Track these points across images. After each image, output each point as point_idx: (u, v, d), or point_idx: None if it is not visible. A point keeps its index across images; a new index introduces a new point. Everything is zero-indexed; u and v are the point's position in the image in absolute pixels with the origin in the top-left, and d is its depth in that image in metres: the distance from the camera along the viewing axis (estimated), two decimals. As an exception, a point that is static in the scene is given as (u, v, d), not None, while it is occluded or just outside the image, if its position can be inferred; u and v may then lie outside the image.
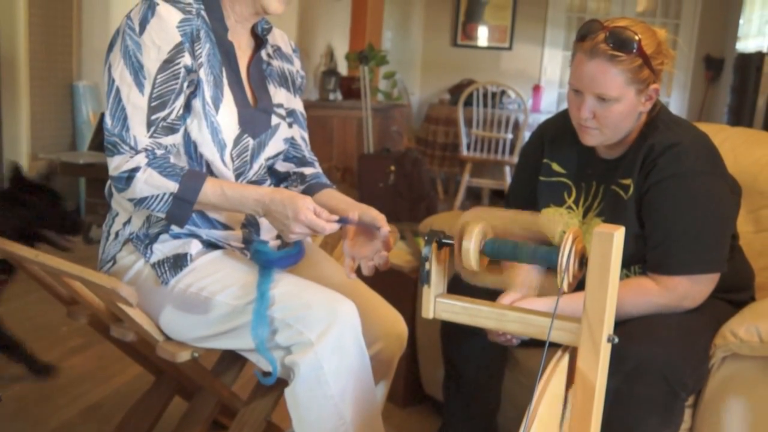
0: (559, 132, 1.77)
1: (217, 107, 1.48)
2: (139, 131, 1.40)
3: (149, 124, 1.40)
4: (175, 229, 1.51)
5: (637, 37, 1.50)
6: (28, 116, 4.14)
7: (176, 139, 1.45)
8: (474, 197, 6.32)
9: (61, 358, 2.54)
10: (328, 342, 1.38)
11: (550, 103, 8.00)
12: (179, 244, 1.51)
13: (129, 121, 1.40)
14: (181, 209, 1.41)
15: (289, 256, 1.50)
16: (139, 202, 1.42)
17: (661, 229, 1.57)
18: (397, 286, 2.29)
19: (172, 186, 1.39)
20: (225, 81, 1.51)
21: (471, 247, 1.16)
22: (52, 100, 4.30)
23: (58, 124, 4.38)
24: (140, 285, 1.51)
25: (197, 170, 1.47)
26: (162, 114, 1.41)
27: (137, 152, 1.40)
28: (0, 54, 4.09)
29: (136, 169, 1.39)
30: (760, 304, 1.68)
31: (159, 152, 1.42)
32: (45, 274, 1.63)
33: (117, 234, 1.57)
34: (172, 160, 1.46)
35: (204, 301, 1.46)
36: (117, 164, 1.40)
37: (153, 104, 1.40)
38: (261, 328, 1.40)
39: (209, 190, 1.41)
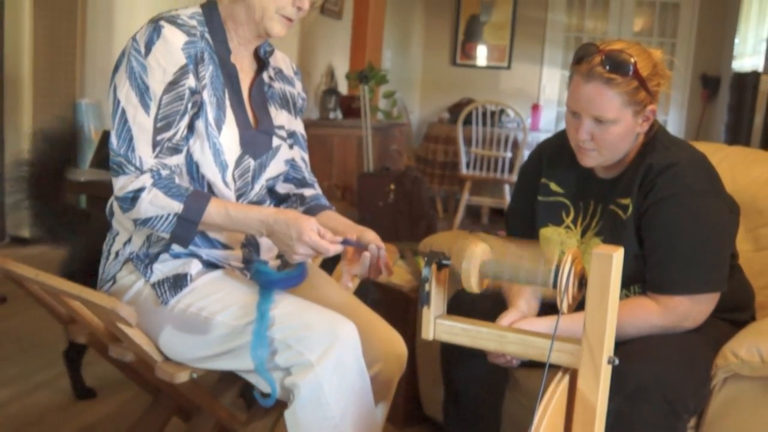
0: (557, 152, 1.78)
1: (219, 128, 1.49)
2: (144, 152, 1.41)
3: (155, 144, 1.41)
4: (175, 248, 1.52)
5: (632, 60, 1.51)
6: (31, 133, 4.15)
7: (180, 159, 1.46)
8: (473, 215, 6.32)
9: (57, 376, 2.52)
10: (329, 363, 1.38)
11: (548, 122, 8.03)
12: (179, 264, 1.51)
13: (135, 142, 1.41)
14: (185, 229, 1.41)
15: (291, 277, 1.50)
16: (143, 223, 1.42)
17: (661, 249, 1.57)
18: (397, 306, 2.28)
19: (177, 206, 1.40)
20: (227, 102, 1.52)
21: (471, 269, 1.16)
22: (54, 118, 4.32)
23: (60, 142, 4.39)
24: (140, 305, 1.50)
25: (202, 191, 1.48)
26: (167, 134, 1.42)
27: (142, 172, 1.41)
28: (4, 71, 4.11)
29: (141, 189, 1.39)
30: (761, 323, 1.67)
31: (164, 173, 1.43)
32: (44, 293, 1.63)
33: (117, 253, 1.57)
34: (177, 180, 1.46)
35: (203, 321, 1.45)
36: (122, 184, 1.41)
37: (158, 125, 1.41)
38: (261, 349, 1.40)
39: (213, 211, 1.42)
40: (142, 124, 1.41)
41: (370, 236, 1.46)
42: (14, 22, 4.06)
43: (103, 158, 4.14)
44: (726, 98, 6.74)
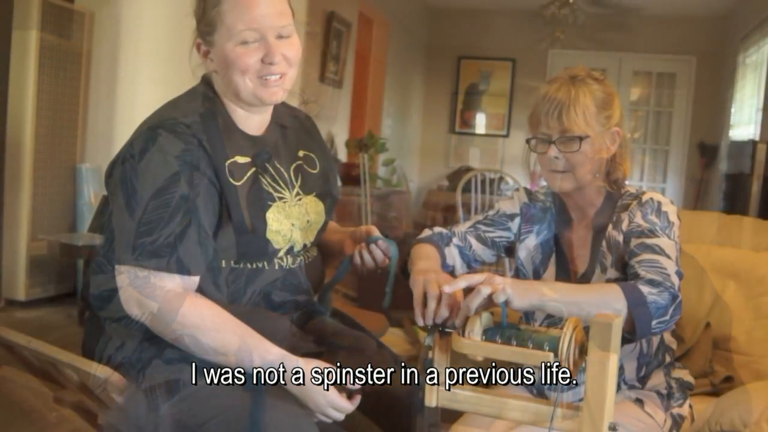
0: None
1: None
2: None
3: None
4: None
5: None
6: (30, 198, 4.17)
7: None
8: (473, 282, 6.30)
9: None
10: None
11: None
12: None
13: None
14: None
15: None
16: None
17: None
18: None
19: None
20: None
21: (475, 330, 1.16)
22: (54, 182, 4.35)
23: (60, 206, 4.41)
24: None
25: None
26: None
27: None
28: (6, 136, 4.16)
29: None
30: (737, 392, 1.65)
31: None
32: (34, 359, 1.61)
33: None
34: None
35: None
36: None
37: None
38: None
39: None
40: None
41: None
42: (18, 87, 4.12)
43: (102, 223, 4.15)
44: (724, 166, 6.80)
